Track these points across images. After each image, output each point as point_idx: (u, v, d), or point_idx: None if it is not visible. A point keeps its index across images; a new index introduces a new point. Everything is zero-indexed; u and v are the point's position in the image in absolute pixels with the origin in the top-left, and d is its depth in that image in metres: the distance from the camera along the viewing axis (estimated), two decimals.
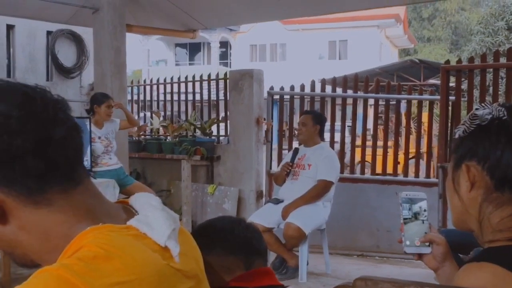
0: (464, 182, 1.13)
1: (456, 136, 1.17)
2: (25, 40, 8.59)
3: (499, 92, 6.08)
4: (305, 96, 6.63)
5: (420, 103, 6.52)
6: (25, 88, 0.88)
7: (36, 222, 0.86)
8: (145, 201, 0.96)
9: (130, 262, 0.80)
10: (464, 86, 6.65)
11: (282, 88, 6.72)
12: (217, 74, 7.44)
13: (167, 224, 0.90)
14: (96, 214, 0.89)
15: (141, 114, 8.63)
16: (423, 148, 7.29)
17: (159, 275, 0.83)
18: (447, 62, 6.04)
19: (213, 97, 7.40)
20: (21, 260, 0.92)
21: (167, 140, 7.18)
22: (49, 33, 8.76)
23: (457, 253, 3.15)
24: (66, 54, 8.93)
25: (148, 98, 8.41)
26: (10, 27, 8.45)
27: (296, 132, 5.64)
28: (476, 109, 1.16)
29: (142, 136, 7.71)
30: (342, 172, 5.73)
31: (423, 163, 6.79)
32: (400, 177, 6.34)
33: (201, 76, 7.52)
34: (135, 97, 8.65)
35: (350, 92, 6.83)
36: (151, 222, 0.89)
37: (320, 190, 4.79)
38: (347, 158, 6.74)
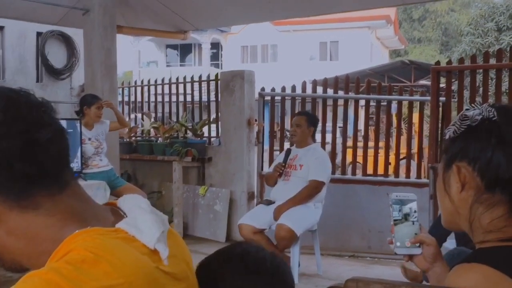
0: (455, 183, 1.13)
1: (447, 137, 1.17)
2: (15, 41, 8.54)
3: (489, 93, 6.12)
4: (296, 97, 6.64)
5: (410, 104, 6.53)
6: (9, 92, 0.88)
7: (23, 226, 0.86)
8: (134, 204, 0.95)
9: (118, 266, 0.79)
10: (455, 87, 6.70)
11: (273, 89, 6.72)
12: (208, 75, 7.43)
13: (155, 226, 0.90)
14: (84, 217, 0.88)
15: (132, 116, 8.61)
16: (414, 149, 7.32)
17: (148, 278, 0.82)
18: (438, 63, 6.07)
19: (204, 98, 7.39)
20: (9, 265, 0.91)
21: (158, 141, 7.17)
22: (39, 34, 8.71)
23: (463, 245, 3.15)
24: (56, 55, 8.88)
25: (139, 99, 8.39)
26: None
27: (287, 133, 5.64)
28: (466, 109, 1.16)
29: (133, 138, 7.69)
30: (333, 173, 5.73)
31: (414, 164, 6.81)
32: (391, 178, 6.36)
33: (192, 77, 7.51)
34: (126, 99, 8.63)
35: (341, 93, 6.83)
36: (140, 225, 0.89)
37: (311, 190, 4.79)
38: (339, 159, 6.75)
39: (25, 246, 0.87)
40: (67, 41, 8.93)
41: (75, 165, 4.70)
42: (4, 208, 0.84)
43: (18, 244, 0.87)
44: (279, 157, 5.23)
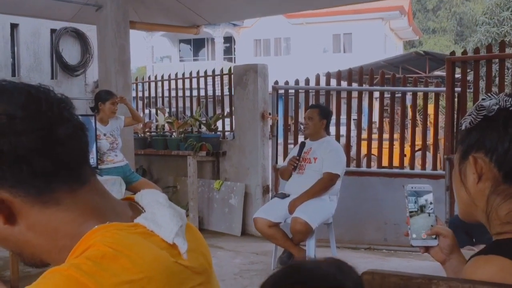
0: (471, 174, 1.12)
1: (463, 127, 1.16)
2: (29, 39, 8.60)
3: (505, 83, 6.05)
4: (310, 90, 6.62)
5: (425, 95, 6.48)
6: (29, 88, 0.88)
7: (44, 222, 0.87)
8: (152, 198, 0.96)
9: (138, 261, 0.80)
10: (470, 77, 6.62)
11: (287, 83, 6.71)
12: (222, 69, 7.44)
13: (174, 221, 0.90)
14: (103, 212, 0.89)
15: (146, 111, 8.64)
16: (430, 140, 7.27)
17: (167, 272, 0.83)
18: (453, 53, 6.01)
19: (218, 92, 7.39)
20: (30, 260, 0.92)
21: (173, 136, 7.19)
22: (53, 31, 8.76)
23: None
24: (70, 52, 8.93)
25: (153, 94, 8.41)
26: (14, 26, 8.46)
27: (301, 126, 5.63)
28: (483, 99, 1.14)
29: (148, 133, 7.72)
30: (348, 165, 5.71)
31: (429, 155, 6.77)
32: (407, 170, 6.32)
33: (205, 72, 7.52)
34: (140, 94, 8.66)
35: (355, 85, 6.81)
36: (158, 219, 0.89)
37: (326, 182, 4.78)
38: (353, 152, 6.72)
39: (46, 242, 0.88)
40: (80, 37, 8.98)
41: (91, 161, 4.73)
42: (25, 204, 0.85)
43: (39, 240, 0.88)
44: (293, 151, 5.23)
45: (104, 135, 5.38)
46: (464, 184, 1.15)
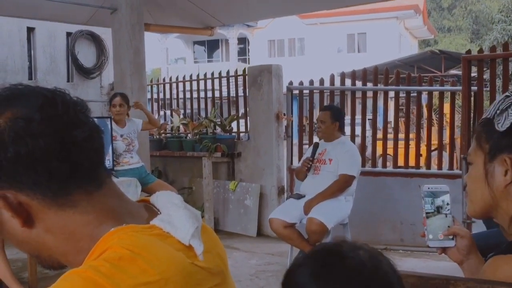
0: (501, 176, 1.10)
1: (500, 127, 1.10)
2: (46, 42, 8.68)
3: None
4: (324, 90, 6.60)
5: (441, 94, 6.43)
6: (45, 92, 0.89)
7: (61, 224, 0.87)
8: (167, 200, 0.96)
9: (155, 262, 0.81)
10: (486, 75, 6.56)
11: (301, 83, 6.69)
12: (236, 70, 7.45)
13: (190, 222, 0.90)
14: (119, 214, 0.90)
15: (161, 113, 8.67)
16: (446, 140, 7.21)
17: (184, 274, 0.83)
18: (468, 52, 5.95)
19: (233, 93, 7.40)
20: (47, 262, 0.93)
21: (188, 138, 7.22)
22: (68, 34, 8.84)
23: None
24: (86, 55, 9.00)
25: (167, 96, 8.45)
26: (30, 30, 8.55)
27: (316, 127, 5.62)
28: None
29: (163, 135, 7.76)
30: (363, 166, 5.69)
31: (445, 155, 6.71)
32: (423, 170, 6.28)
33: (220, 73, 7.53)
34: (155, 96, 8.70)
35: (370, 85, 6.77)
36: (174, 221, 0.90)
37: (341, 184, 4.77)
38: (369, 152, 6.68)
39: (63, 244, 0.89)
40: (96, 40, 9.05)
41: (107, 163, 4.75)
42: (42, 207, 0.86)
43: (56, 242, 0.89)
44: (307, 152, 5.21)
45: (121, 136, 5.41)
46: (489, 184, 1.12)
